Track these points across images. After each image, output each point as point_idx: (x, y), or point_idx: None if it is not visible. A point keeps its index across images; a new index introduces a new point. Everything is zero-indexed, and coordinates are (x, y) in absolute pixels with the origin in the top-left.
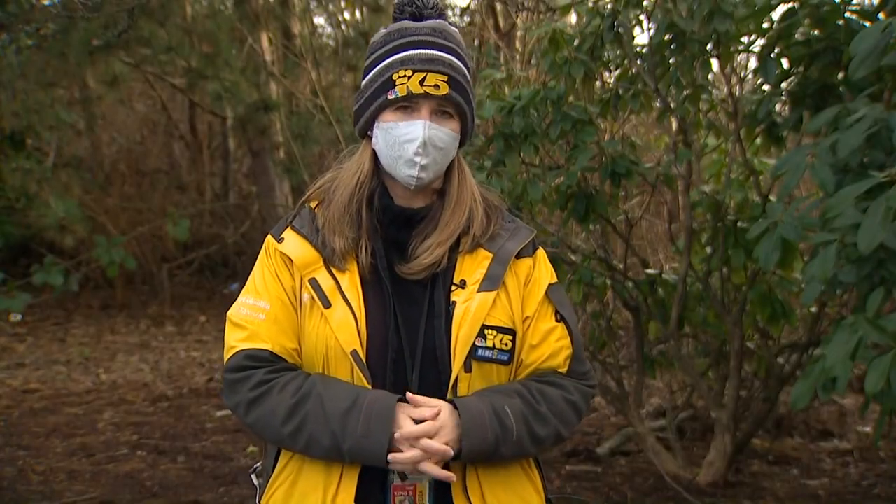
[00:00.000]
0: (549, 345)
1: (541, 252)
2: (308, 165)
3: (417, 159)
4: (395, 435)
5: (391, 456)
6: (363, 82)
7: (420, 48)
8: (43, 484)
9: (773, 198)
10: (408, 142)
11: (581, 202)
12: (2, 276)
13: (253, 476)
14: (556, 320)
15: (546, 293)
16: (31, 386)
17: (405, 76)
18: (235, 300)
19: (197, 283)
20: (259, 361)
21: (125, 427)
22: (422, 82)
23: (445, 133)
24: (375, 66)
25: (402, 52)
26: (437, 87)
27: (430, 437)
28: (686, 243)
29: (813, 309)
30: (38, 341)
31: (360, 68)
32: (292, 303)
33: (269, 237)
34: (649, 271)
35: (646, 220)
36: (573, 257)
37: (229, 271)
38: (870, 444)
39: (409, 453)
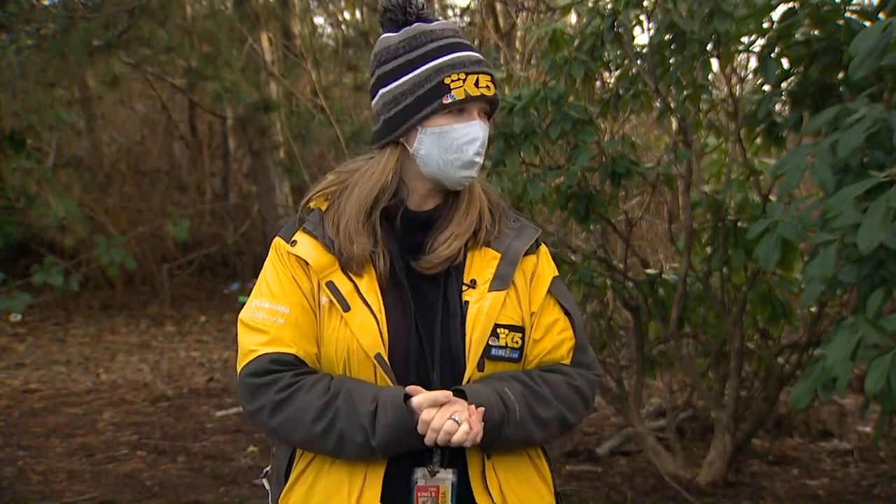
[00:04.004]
0: (552, 337)
1: (543, 248)
2: (308, 165)
3: (478, 159)
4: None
5: (423, 414)
6: (393, 88)
7: (461, 50)
8: (43, 484)
9: (773, 198)
10: (468, 143)
11: (581, 202)
12: (2, 276)
13: (265, 480)
14: (559, 313)
15: (549, 288)
16: (31, 386)
17: (459, 79)
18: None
19: (197, 283)
20: (284, 365)
21: (125, 427)
22: (476, 84)
23: (487, 132)
24: (411, 72)
25: (446, 55)
26: (488, 87)
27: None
28: (686, 243)
29: (813, 309)
30: (38, 341)
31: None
32: (311, 306)
33: (278, 240)
34: (649, 271)
35: (646, 220)
36: (573, 257)
37: (229, 271)
38: (870, 444)
39: (429, 406)
